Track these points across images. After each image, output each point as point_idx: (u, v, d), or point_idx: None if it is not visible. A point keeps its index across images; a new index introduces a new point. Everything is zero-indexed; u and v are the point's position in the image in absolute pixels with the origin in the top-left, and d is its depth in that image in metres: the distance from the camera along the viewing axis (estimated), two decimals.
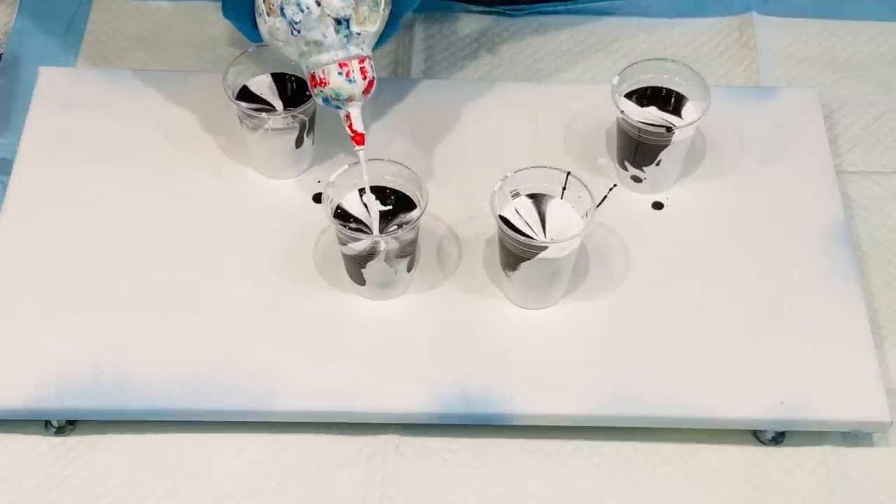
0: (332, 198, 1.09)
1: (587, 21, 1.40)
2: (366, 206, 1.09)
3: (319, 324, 1.11)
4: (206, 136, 1.22)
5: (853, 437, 1.10)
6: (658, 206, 1.20)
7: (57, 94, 1.24)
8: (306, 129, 1.17)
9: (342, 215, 1.09)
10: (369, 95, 1.09)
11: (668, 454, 1.09)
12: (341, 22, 1.05)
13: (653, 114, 1.16)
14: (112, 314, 1.10)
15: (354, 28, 1.05)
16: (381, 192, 1.10)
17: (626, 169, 1.19)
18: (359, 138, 1.09)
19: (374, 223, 1.08)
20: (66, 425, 1.08)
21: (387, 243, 1.07)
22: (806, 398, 1.08)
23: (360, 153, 1.09)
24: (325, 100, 1.08)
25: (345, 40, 1.05)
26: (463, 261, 1.15)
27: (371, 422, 1.08)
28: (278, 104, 1.16)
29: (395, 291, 1.12)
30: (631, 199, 1.20)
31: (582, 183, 1.08)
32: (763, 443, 1.10)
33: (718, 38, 1.39)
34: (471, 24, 1.39)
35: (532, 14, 1.39)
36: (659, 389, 1.08)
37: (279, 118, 1.15)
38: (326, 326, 1.10)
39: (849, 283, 1.14)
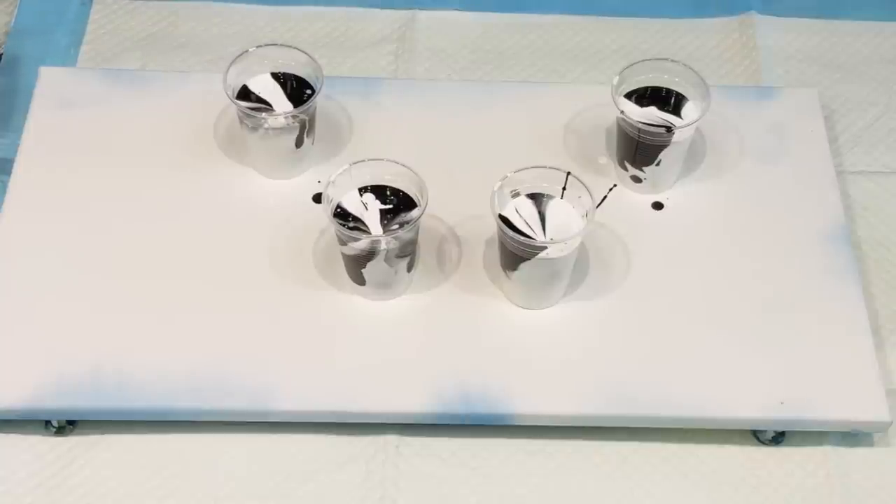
0: (332, 198, 1.09)
1: (587, 21, 1.40)
2: (365, 205, 1.09)
3: (319, 324, 1.11)
4: (206, 136, 1.22)
5: (853, 437, 1.10)
6: (658, 206, 1.20)
7: (57, 94, 1.24)
8: (306, 129, 1.17)
9: (342, 215, 1.09)
10: None
11: (668, 454, 1.09)
12: None
13: (653, 114, 1.16)
14: (112, 314, 1.10)
15: None
16: (381, 192, 1.10)
17: (626, 169, 1.19)
18: None
19: (374, 223, 1.08)
20: (66, 425, 1.08)
21: (387, 243, 1.07)
22: (806, 398, 1.08)
23: None
24: None
25: None
26: (463, 261, 1.15)
27: (371, 422, 1.08)
28: (278, 104, 1.16)
29: (395, 291, 1.12)
30: (631, 199, 1.20)
31: (582, 183, 1.08)
32: (763, 443, 1.10)
33: (718, 38, 1.39)
34: (471, 24, 1.39)
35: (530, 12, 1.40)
36: (659, 389, 1.08)
37: (279, 118, 1.15)
38: (326, 326, 1.10)
39: (849, 283, 1.14)
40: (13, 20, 1.37)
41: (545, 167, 1.10)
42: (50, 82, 1.25)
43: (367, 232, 1.08)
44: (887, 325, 1.17)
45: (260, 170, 1.20)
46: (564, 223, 1.08)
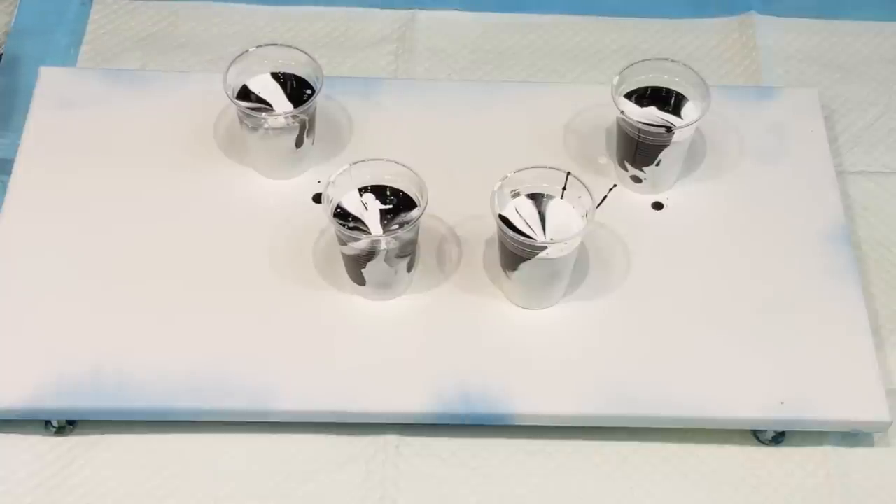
0: (332, 198, 1.09)
1: (587, 21, 1.40)
2: (365, 205, 1.09)
3: (319, 324, 1.11)
4: (206, 136, 1.22)
5: (853, 437, 1.10)
6: (658, 206, 1.20)
7: (57, 94, 1.24)
8: (306, 129, 1.17)
9: (342, 215, 1.09)
10: None
11: (668, 454, 1.09)
12: None
13: (653, 114, 1.16)
14: (112, 314, 1.10)
15: None
16: (381, 192, 1.10)
17: (626, 169, 1.19)
18: None
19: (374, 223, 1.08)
20: (66, 425, 1.08)
21: (387, 243, 1.07)
22: (806, 398, 1.08)
23: None
24: None
25: None
26: (463, 261, 1.15)
27: (371, 422, 1.08)
28: (278, 104, 1.16)
29: (395, 291, 1.12)
30: (631, 199, 1.20)
31: (582, 183, 1.08)
32: (763, 443, 1.10)
33: (718, 38, 1.39)
34: (471, 24, 1.39)
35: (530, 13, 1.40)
36: (659, 389, 1.08)
37: (279, 118, 1.15)
38: (326, 326, 1.10)
39: (849, 283, 1.14)
40: (13, 20, 1.37)
41: (545, 167, 1.10)
42: (50, 82, 1.25)
43: (367, 232, 1.08)
44: (887, 325, 1.17)
45: (260, 170, 1.20)
46: (564, 223, 1.08)
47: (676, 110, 1.17)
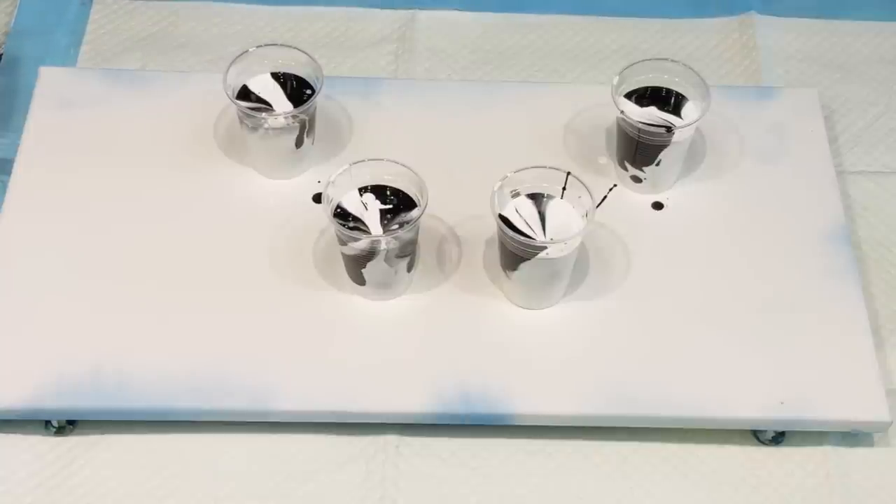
0: (332, 198, 1.09)
1: (587, 21, 1.40)
2: (365, 205, 1.09)
3: (319, 324, 1.11)
4: (206, 136, 1.22)
5: (853, 437, 1.10)
6: (658, 206, 1.20)
7: (57, 94, 1.24)
8: (306, 129, 1.17)
9: (342, 215, 1.09)
10: None
11: (668, 454, 1.09)
12: None
13: (653, 114, 1.16)
14: (112, 314, 1.10)
15: None
16: (381, 192, 1.10)
17: (626, 169, 1.19)
18: None
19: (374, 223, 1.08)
20: (66, 425, 1.08)
21: (387, 243, 1.07)
22: (806, 398, 1.08)
23: None
24: None
25: None
26: (463, 261, 1.15)
27: (371, 422, 1.08)
28: (278, 104, 1.16)
29: (395, 291, 1.12)
30: (631, 199, 1.20)
31: (582, 183, 1.08)
32: (763, 443, 1.10)
33: (718, 38, 1.39)
34: (471, 24, 1.39)
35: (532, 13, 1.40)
36: (659, 389, 1.08)
37: (279, 118, 1.15)
38: (326, 326, 1.10)
39: (849, 283, 1.14)
40: (13, 20, 1.37)
41: (545, 167, 1.10)
42: (50, 82, 1.25)
43: (367, 232, 1.08)
44: (887, 325, 1.17)
45: (260, 170, 1.20)
46: (564, 223, 1.08)
47: (676, 110, 1.17)
